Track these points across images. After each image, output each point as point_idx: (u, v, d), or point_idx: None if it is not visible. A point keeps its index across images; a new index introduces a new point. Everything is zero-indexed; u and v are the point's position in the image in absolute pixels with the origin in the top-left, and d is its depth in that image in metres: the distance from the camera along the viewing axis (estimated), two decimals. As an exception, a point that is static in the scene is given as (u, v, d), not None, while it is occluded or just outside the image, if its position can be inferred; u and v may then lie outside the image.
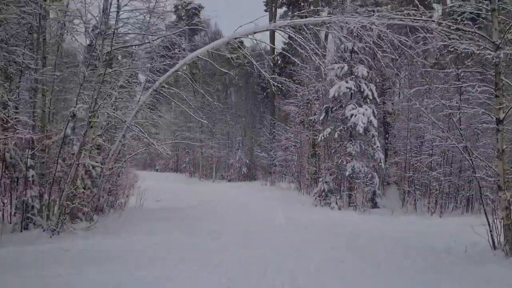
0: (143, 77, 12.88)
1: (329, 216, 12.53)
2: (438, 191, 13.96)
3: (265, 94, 38.30)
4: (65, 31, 9.69)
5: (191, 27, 28.00)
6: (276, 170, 27.14)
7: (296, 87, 20.65)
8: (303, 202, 16.51)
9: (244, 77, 36.55)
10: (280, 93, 32.68)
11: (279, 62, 36.19)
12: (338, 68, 14.92)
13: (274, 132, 27.10)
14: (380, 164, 14.38)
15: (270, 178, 27.45)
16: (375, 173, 14.42)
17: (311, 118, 18.57)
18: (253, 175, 31.41)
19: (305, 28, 8.28)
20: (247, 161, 29.96)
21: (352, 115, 14.26)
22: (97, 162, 9.52)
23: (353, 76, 14.69)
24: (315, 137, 19.62)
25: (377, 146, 14.39)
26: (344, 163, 14.70)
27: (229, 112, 31.62)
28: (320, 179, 16.22)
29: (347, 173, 14.14)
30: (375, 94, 14.88)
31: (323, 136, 15.26)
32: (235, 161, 29.66)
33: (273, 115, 30.79)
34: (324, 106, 15.63)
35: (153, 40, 10.70)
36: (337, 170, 16.03)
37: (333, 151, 16.26)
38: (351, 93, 14.97)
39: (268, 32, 11.86)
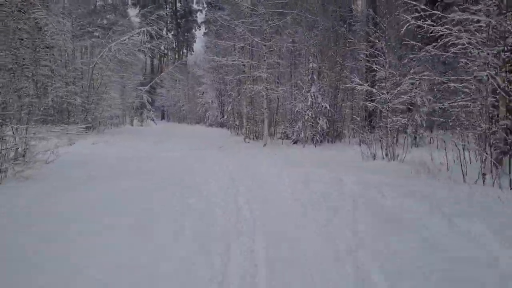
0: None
1: None
2: None
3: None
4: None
5: None
6: (388, 123, 12.22)
7: None
8: None
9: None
10: None
11: None
12: None
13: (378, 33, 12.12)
14: None
15: (371, 137, 12.64)
16: None
17: None
18: (338, 133, 17.15)
19: None
20: (327, 107, 15.62)
21: None
22: None
23: None
24: None
25: None
26: None
27: (287, 18, 16.82)
28: None
29: None
30: None
31: None
32: (305, 107, 15.54)
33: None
34: None
35: None
36: None
37: None
38: None
39: None
